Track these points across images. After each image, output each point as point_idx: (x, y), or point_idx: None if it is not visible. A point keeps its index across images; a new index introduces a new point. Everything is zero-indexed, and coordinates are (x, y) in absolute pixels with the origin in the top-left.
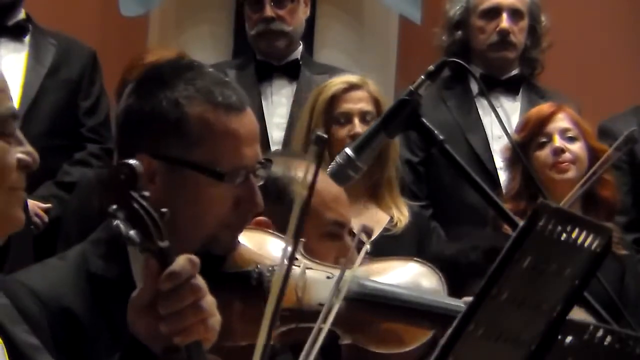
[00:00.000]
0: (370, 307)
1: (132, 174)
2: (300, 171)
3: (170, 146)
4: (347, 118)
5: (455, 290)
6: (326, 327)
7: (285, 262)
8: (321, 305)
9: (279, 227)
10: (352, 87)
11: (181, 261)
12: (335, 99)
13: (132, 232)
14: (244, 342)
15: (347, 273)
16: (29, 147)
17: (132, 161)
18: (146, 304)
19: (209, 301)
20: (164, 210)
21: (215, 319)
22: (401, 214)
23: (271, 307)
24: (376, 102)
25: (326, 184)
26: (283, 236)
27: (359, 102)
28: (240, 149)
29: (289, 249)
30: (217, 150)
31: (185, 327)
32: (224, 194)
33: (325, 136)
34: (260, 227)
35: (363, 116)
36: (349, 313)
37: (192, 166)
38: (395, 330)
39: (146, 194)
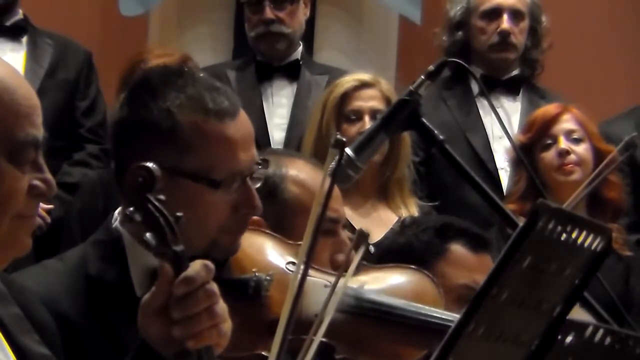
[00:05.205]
0: (368, 321)
1: (149, 177)
2: (292, 169)
3: (164, 156)
4: (358, 115)
5: None
6: (317, 339)
7: (300, 275)
8: (317, 316)
9: (270, 225)
10: (364, 85)
11: (196, 266)
12: (346, 96)
13: (147, 235)
14: (238, 352)
15: (343, 282)
16: (46, 175)
17: (150, 164)
18: (159, 307)
19: (222, 307)
20: (179, 214)
21: (227, 325)
22: (410, 214)
23: (284, 323)
24: (388, 101)
25: (318, 180)
26: (281, 237)
27: (370, 100)
28: (235, 154)
29: (302, 266)
30: (211, 158)
31: (198, 332)
32: (222, 200)
33: (344, 139)
34: (255, 226)
35: (374, 114)
36: (346, 326)
37: (186, 175)
38: (391, 346)
39: (162, 197)
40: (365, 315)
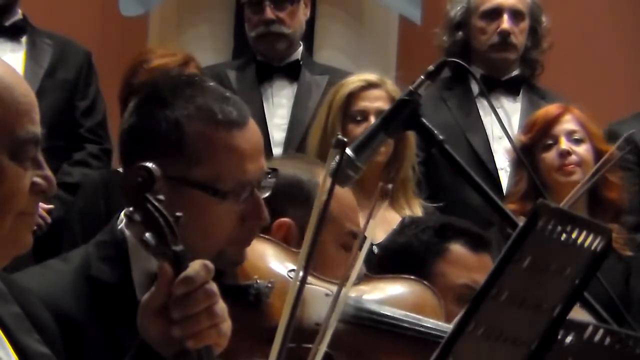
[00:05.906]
0: (368, 332)
1: (149, 177)
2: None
3: (172, 166)
4: (364, 116)
5: (416, 271)
6: (322, 349)
7: (299, 281)
8: (318, 325)
9: (301, 229)
10: (370, 85)
11: (196, 266)
12: (352, 96)
13: (147, 235)
14: (238, 358)
15: (344, 291)
16: (47, 172)
17: (149, 164)
18: (158, 307)
19: (222, 307)
20: (179, 214)
21: (227, 325)
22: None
23: (282, 330)
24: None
25: (347, 192)
26: (284, 244)
27: (376, 101)
28: (243, 165)
29: (301, 272)
30: (219, 168)
31: (198, 332)
32: (229, 211)
33: (345, 139)
34: (279, 230)
35: (379, 115)
36: (346, 336)
37: (194, 185)
38: (391, 357)
39: (161, 197)
40: (365, 325)
